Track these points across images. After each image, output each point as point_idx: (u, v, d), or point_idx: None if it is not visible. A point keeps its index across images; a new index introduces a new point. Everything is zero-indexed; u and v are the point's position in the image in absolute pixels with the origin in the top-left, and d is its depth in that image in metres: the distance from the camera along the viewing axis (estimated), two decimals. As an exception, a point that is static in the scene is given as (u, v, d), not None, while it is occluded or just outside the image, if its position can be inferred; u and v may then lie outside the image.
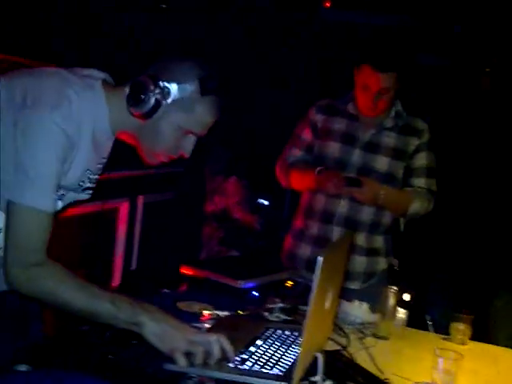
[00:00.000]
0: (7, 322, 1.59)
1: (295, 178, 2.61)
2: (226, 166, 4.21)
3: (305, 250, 2.60)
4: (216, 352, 1.39)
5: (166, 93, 1.49)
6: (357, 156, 2.51)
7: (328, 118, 2.58)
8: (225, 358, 1.40)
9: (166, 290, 1.94)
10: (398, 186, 2.53)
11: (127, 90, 1.51)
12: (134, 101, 1.49)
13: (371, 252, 2.55)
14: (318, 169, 2.47)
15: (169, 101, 1.49)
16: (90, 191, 1.63)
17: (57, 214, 1.51)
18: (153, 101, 1.48)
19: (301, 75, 5.02)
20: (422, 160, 2.53)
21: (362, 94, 2.46)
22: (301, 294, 2.00)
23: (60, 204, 1.54)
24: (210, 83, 1.52)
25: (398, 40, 3.38)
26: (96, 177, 1.63)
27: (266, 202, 3.95)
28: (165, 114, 1.51)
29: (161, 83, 1.49)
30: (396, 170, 2.52)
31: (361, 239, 2.52)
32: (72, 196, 1.59)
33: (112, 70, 1.62)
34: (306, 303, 1.26)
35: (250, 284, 2.03)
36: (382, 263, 2.59)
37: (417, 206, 2.51)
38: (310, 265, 2.55)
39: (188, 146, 1.58)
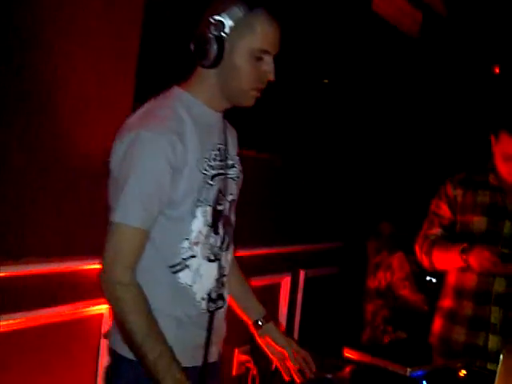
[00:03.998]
0: None
1: (438, 258, 2.45)
2: (390, 240, 4.06)
3: (459, 334, 2.42)
4: None
5: (220, 26, 1.51)
6: (508, 228, 2.35)
7: (468, 191, 2.45)
8: None
9: (328, 375, 1.85)
10: None
11: (191, 48, 1.55)
12: (201, 53, 1.52)
13: None
14: (463, 246, 2.31)
15: (227, 31, 1.51)
16: (235, 174, 1.65)
17: (218, 213, 1.56)
18: (214, 41, 1.50)
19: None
20: None
21: (505, 164, 2.32)
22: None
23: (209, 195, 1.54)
24: None
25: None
26: (218, 162, 1.59)
27: (434, 280, 3.72)
28: (233, 48, 1.53)
29: (211, 20, 1.51)
30: None
31: None
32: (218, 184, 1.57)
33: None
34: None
35: (420, 372, 1.88)
36: None
37: None
38: (467, 350, 2.35)
39: (268, 67, 1.56)
